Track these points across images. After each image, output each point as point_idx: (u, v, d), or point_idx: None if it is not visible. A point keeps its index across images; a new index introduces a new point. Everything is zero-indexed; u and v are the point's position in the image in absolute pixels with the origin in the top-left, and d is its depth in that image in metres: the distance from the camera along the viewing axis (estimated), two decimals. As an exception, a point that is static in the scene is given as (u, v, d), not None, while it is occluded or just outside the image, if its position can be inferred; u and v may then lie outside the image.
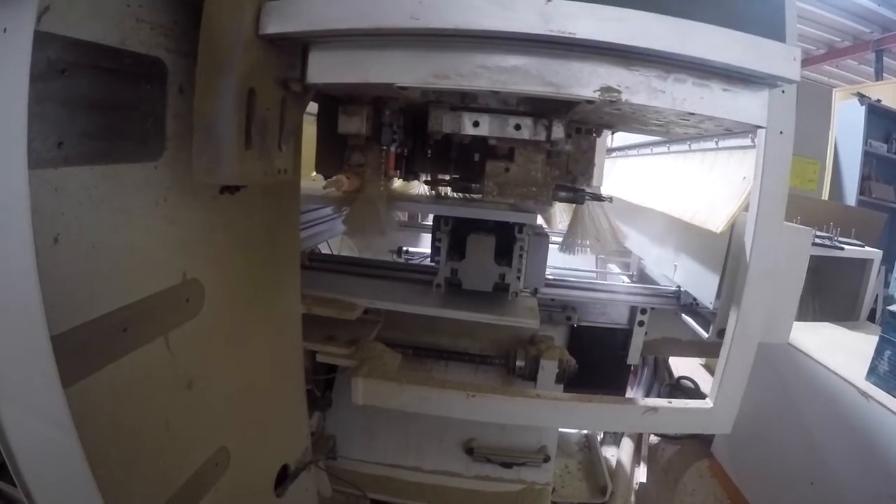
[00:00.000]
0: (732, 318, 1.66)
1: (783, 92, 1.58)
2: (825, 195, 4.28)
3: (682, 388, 3.79)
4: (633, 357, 2.33)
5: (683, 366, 3.98)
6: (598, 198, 1.46)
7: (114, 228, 0.99)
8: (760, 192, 1.60)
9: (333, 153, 1.37)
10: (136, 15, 0.95)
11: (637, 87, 0.97)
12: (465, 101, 1.18)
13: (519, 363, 1.98)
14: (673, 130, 1.34)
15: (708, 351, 2.53)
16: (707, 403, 1.71)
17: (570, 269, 3.01)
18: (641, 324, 2.25)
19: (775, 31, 1.02)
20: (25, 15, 0.77)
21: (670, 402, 1.73)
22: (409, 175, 1.41)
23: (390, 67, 0.99)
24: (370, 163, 1.28)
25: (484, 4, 0.89)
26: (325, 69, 1.03)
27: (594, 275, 3.34)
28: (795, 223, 2.21)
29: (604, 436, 3.08)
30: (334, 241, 3.06)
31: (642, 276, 3.14)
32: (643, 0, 0.96)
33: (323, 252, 2.67)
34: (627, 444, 2.96)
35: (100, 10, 0.89)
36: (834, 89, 4.55)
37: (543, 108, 1.17)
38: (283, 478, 1.62)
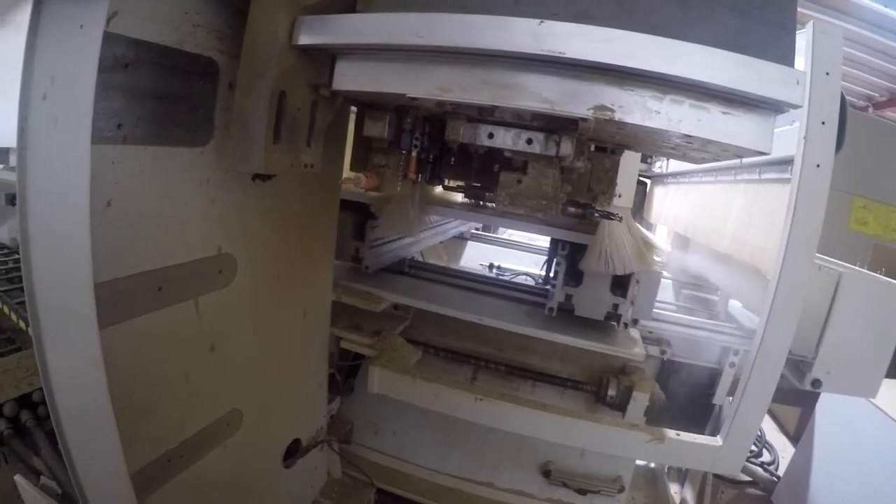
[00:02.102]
0: (750, 356, 1.59)
1: (823, 123, 1.51)
2: (910, 245, 3.90)
3: None
4: (720, 397, 2.30)
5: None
6: (608, 216, 1.46)
7: (159, 201, 1.16)
8: (791, 229, 1.53)
9: (366, 154, 1.49)
10: (192, 21, 1.13)
11: (631, 107, 0.99)
12: (483, 114, 1.25)
13: (611, 392, 1.97)
14: (689, 155, 1.32)
15: (791, 398, 2.48)
16: (716, 441, 1.65)
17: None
18: (732, 365, 2.22)
19: (782, 54, 0.99)
20: (97, 17, 0.95)
21: (678, 435, 1.68)
22: (434, 179, 1.49)
23: (402, 79, 1.09)
24: (391, 165, 1.39)
25: (482, 24, 0.96)
26: (348, 78, 1.16)
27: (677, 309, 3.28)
28: (880, 274, 2.11)
29: (668, 471, 3.00)
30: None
31: (728, 316, 3.06)
32: (642, 21, 0.99)
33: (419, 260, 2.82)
34: (693, 484, 2.88)
35: (161, 15, 1.06)
36: (924, 133, 4.09)
37: (554, 125, 1.21)
38: (294, 451, 1.75)
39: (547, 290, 2.11)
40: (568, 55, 0.93)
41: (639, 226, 1.84)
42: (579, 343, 1.88)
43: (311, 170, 1.27)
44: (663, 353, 2.21)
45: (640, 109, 0.99)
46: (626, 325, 1.96)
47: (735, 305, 2.97)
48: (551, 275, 2.08)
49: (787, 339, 1.61)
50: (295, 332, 1.70)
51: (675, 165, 3.12)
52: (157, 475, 1.24)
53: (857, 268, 2.13)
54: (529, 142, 1.23)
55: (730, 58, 0.92)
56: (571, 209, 1.37)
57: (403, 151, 1.33)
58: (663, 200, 3.45)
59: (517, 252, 3.91)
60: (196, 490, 1.36)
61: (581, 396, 2.13)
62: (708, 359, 2.31)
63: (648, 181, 3.91)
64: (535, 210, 1.30)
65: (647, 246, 1.73)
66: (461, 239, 3.99)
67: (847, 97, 1.68)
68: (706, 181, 2.53)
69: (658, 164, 3.48)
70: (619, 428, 1.69)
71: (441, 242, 3.75)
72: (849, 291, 2.00)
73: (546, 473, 2.21)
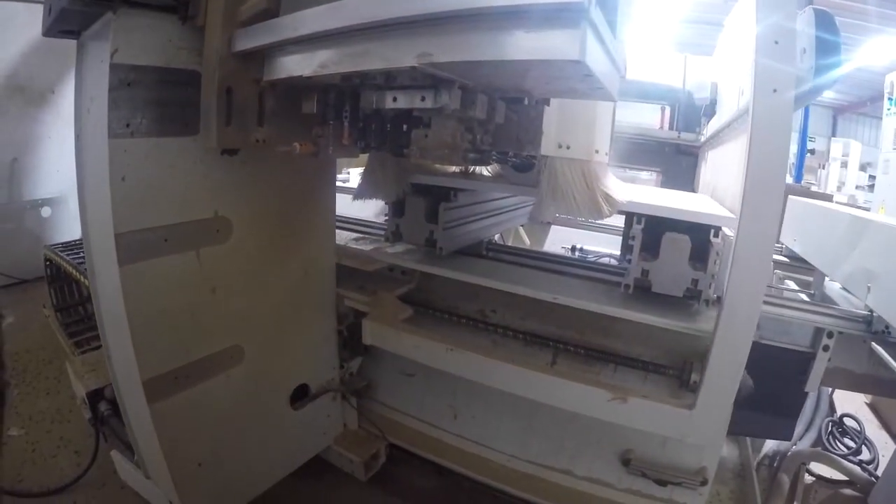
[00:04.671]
0: (720, 311, 1.72)
1: (776, 43, 1.63)
2: None
3: (845, 427, 3.69)
4: (812, 385, 2.34)
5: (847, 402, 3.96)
6: (506, 159, 1.75)
7: (163, 176, 1.85)
8: (749, 163, 1.64)
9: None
10: (176, 45, 1.81)
11: (446, 48, 1.32)
12: (388, 82, 1.71)
13: (694, 377, 2.13)
14: (559, 87, 1.57)
15: (890, 389, 2.41)
16: (687, 407, 1.79)
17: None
18: (826, 348, 2.27)
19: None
20: (103, 55, 1.67)
21: (645, 397, 1.85)
22: (383, 144, 1.96)
23: (297, 64, 1.62)
24: (324, 134, 1.91)
25: (323, 11, 1.46)
26: (270, 70, 1.74)
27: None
28: None
29: (758, 468, 3.06)
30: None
31: (824, 297, 3.02)
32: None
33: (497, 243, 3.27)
34: (783, 481, 2.89)
35: (150, 45, 1.75)
36: None
37: (436, 81, 1.62)
38: (303, 395, 2.35)
39: (626, 269, 2.27)
40: (376, 19, 1.37)
41: (608, 177, 2.05)
42: (652, 320, 2.06)
43: (261, 144, 1.88)
44: None
45: (453, 48, 1.33)
46: (707, 302, 2.08)
47: (831, 286, 2.93)
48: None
49: (759, 287, 1.71)
50: (295, 287, 2.32)
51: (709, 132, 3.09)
52: (166, 387, 1.91)
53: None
54: (423, 99, 1.66)
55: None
56: (471, 155, 1.72)
57: (331, 122, 1.85)
58: (703, 170, 3.43)
59: (601, 234, 4.11)
60: (201, 407, 2.03)
61: (664, 381, 2.28)
62: (800, 342, 2.32)
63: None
64: (440, 159, 1.72)
65: (608, 198, 1.95)
66: (544, 223, 4.31)
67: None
68: (725, 140, 2.55)
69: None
70: (580, 383, 1.92)
71: (522, 226, 4.18)
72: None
73: (626, 462, 2.40)
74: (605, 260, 3.52)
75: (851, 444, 3.51)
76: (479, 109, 1.68)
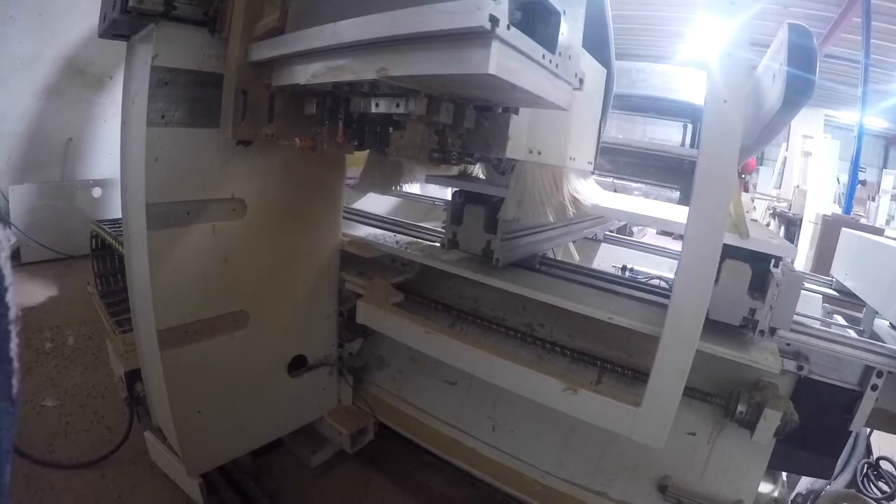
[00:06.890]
0: (668, 313, 2.12)
1: (728, 55, 1.99)
2: None
3: (880, 470, 3.95)
4: (858, 424, 2.57)
5: (885, 444, 4.22)
6: (466, 159, 2.30)
7: (189, 159, 2.51)
8: (699, 169, 2.03)
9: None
10: (206, 52, 2.49)
11: (396, 64, 1.81)
12: (372, 90, 2.33)
13: (741, 408, 2.36)
14: (507, 96, 2.10)
15: None
16: (634, 405, 2.16)
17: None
18: (875, 388, 2.51)
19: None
20: (147, 58, 2.40)
21: (596, 391, 2.27)
22: (375, 144, 2.58)
23: (295, 74, 2.24)
24: (321, 132, 2.53)
25: (312, 33, 2.10)
26: (277, 77, 2.37)
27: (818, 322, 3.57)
28: None
29: None
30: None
31: (873, 335, 3.25)
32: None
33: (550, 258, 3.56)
34: None
35: (185, 52, 2.42)
36: None
37: (407, 91, 2.22)
38: (300, 365, 3.00)
39: (682, 293, 2.49)
40: (345, 41, 1.98)
41: (583, 183, 2.55)
42: (707, 348, 2.29)
43: (270, 137, 2.55)
44: (800, 368, 2.49)
45: (402, 64, 1.85)
46: (762, 332, 2.32)
47: (880, 323, 3.19)
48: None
49: (705, 289, 2.09)
50: (300, 266, 2.92)
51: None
52: (177, 338, 2.54)
53: None
54: (398, 105, 2.26)
55: (428, 9, 1.59)
56: (435, 155, 2.29)
57: (327, 122, 2.49)
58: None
59: (652, 255, 4.53)
60: (205, 360, 2.65)
61: (708, 409, 2.54)
62: (848, 379, 2.56)
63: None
64: (411, 157, 2.30)
65: (575, 201, 2.45)
66: (594, 241, 4.79)
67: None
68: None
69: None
70: (535, 371, 2.37)
71: (573, 242, 4.68)
72: None
73: (662, 489, 2.69)
74: (655, 282, 3.80)
75: (886, 488, 3.74)
76: (443, 115, 2.25)
